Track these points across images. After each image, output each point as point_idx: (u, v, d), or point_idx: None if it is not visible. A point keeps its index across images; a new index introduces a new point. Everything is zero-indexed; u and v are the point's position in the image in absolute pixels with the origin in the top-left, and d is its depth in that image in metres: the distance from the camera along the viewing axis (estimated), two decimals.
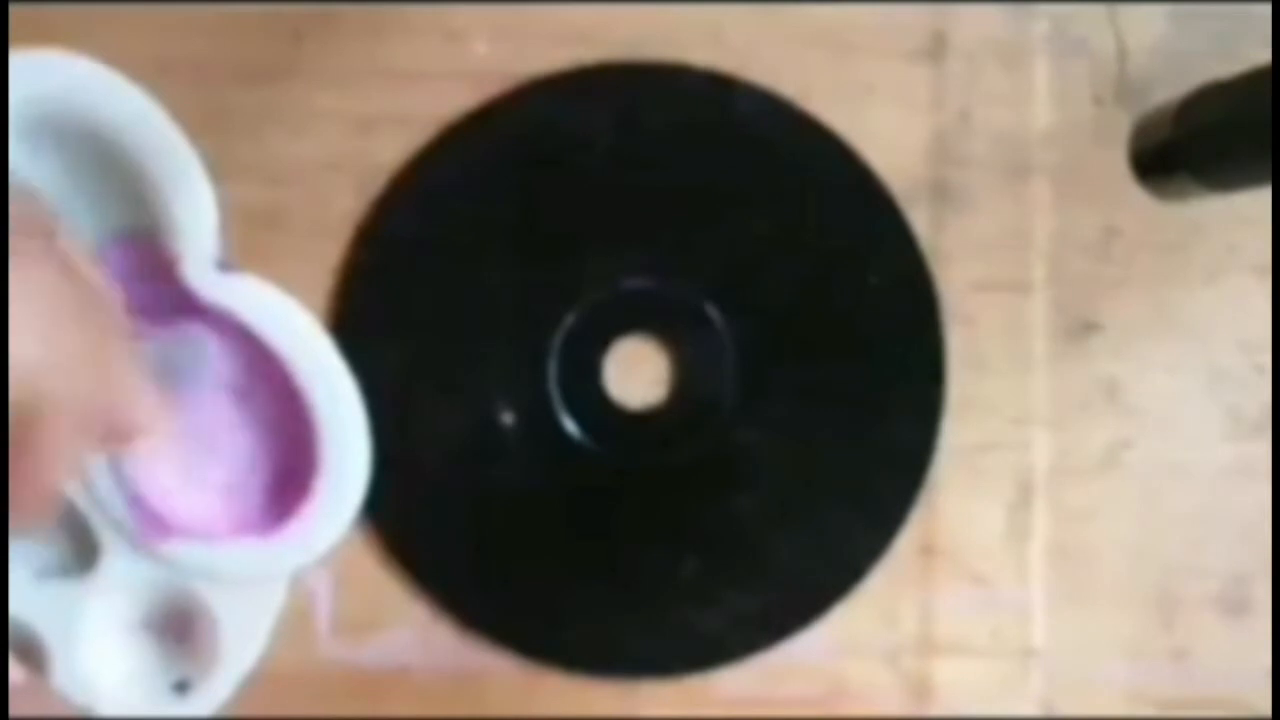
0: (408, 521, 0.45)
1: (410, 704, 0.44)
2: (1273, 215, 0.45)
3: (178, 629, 0.44)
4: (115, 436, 0.36)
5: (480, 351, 0.45)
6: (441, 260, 0.45)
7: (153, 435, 0.36)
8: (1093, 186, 0.45)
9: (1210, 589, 0.45)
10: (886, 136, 0.45)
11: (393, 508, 0.44)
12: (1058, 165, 0.45)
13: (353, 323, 0.45)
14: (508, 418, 0.45)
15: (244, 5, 0.45)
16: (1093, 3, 0.45)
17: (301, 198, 0.45)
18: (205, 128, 0.43)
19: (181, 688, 0.44)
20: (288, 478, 0.44)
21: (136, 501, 0.43)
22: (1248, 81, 0.37)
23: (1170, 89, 0.39)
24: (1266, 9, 0.45)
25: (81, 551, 0.44)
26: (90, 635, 0.43)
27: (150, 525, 0.43)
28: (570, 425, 0.45)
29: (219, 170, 0.43)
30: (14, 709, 0.33)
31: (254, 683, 0.44)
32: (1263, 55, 0.41)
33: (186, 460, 0.44)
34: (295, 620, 0.44)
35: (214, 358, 0.44)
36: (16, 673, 0.35)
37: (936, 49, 0.45)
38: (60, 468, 0.32)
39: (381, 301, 0.45)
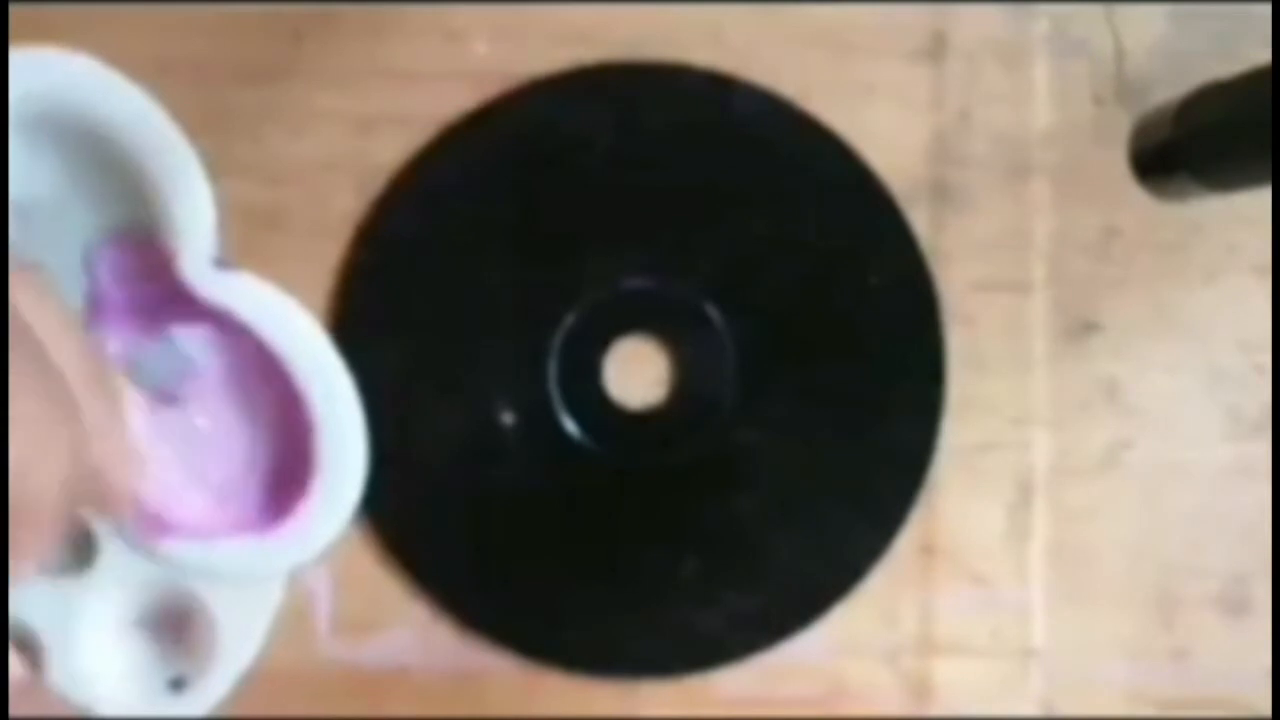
0: (407, 521, 0.45)
1: (410, 704, 0.44)
2: (1273, 215, 0.45)
3: (174, 627, 0.44)
4: (105, 506, 0.38)
5: (480, 351, 0.45)
6: (441, 260, 0.45)
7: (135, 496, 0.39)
8: (1093, 186, 0.45)
9: (1210, 589, 0.45)
10: (886, 136, 0.45)
11: (392, 507, 0.44)
12: (1058, 165, 0.45)
13: (352, 322, 0.44)
14: (508, 418, 0.45)
15: (244, 5, 0.45)
16: (1093, 2, 0.45)
17: (301, 198, 0.45)
18: (205, 127, 0.43)
19: (178, 685, 0.44)
20: (285, 476, 0.44)
21: (133, 499, 0.43)
22: (1248, 81, 0.37)
23: (1170, 89, 0.39)
24: (1266, 9, 0.45)
25: (78, 549, 0.44)
26: (87, 633, 0.43)
27: (147, 524, 0.43)
28: (570, 425, 0.45)
29: (218, 170, 0.43)
30: (16, 707, 0.33)
31: (253, 682, 0.44)
32: (1263, 55, 0.41)
33: (184, 459, 0.44)
34: (294, 620, 0.44)
35: (203, 361, 0.44)
36: (17, 667, 0.35)
37: (936, 49, 0.45)
38: (46, 547, 0.33)
39: (381, 301, 0.45)
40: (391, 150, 0.45)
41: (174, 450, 0.44)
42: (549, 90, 0.45)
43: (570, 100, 0.45)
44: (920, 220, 0.45)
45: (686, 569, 0.45)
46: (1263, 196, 0.39)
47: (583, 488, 0.45)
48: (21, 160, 0.43)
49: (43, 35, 0.42)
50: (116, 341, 0.44)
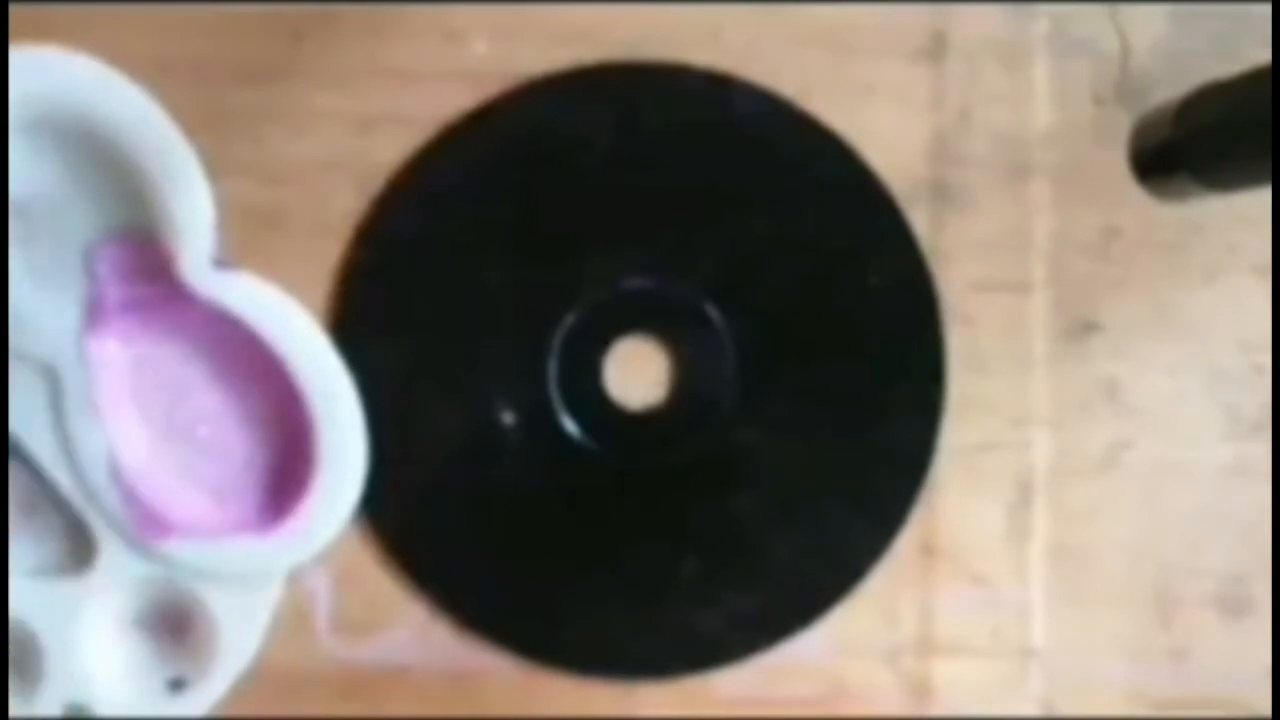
0: (407, 521, 0.45)
1: (409, 704, 0.44)
2: (1273, 215, 0.45)
3: (173, 627, 0.44)
4: None
5: (480, 351, 0.45)
6: (441, 260, 0.45)
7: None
8: (1093, 186, 0.45)
9: (1210, 589, 0.45)
10: (886, 136, 0.45)
11: (392, 507, 0.44)
12: (1058, 165, 0.45)
13: (352, 322, 0.44)
14: (508, 418, 0.45)
15: (244, 5, 0.45)
16: (1093, 2, 0.45)
17: (301, 197, 0.45)
18: (205, 127, 0.43)
19: (177, 685, 0.44)
20: (284, 475, 0.44)
21: (133, 499, 0.43)
22: (1248, 81, 0.37)
23: (1170, 89, 0.39)
24: (1266, 9, 0.45)
25: (77, 549, 0.44)
26: (86, 633, 0.43)
27: (147, 523, 0.43)
28: (570, 425, 0.45)
29: (218, 169, 0.43)
30: None
31: (252, 682, 0.44)
32: (1263, 55, 0.41)
33: (183, 458, 0.44)
34: (294, 620, 0.44)
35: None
36: None
37: (936, 49, 0.45)
38: None
39: (381, 301, 0.45)
40: (391, 150, 0.45)
41: (174, 450, 0.44)
42: (549, 90, 0.45)
43: (570, 100, 0.45)
44: (920, 220, 0.45)
45: (686, 569, 0.45)
46: (1263, 196, 0.39)
47: (583, 488, 0.45)
48: (22, 160, 0.43)
49: (43, 35, 0.42)
50: (116, 341, 0.44)
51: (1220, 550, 0.45)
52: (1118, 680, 0.45)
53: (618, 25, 0.45)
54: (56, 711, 0.43)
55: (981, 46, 0.45)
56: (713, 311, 0.45)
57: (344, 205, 0.45)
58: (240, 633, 0.43)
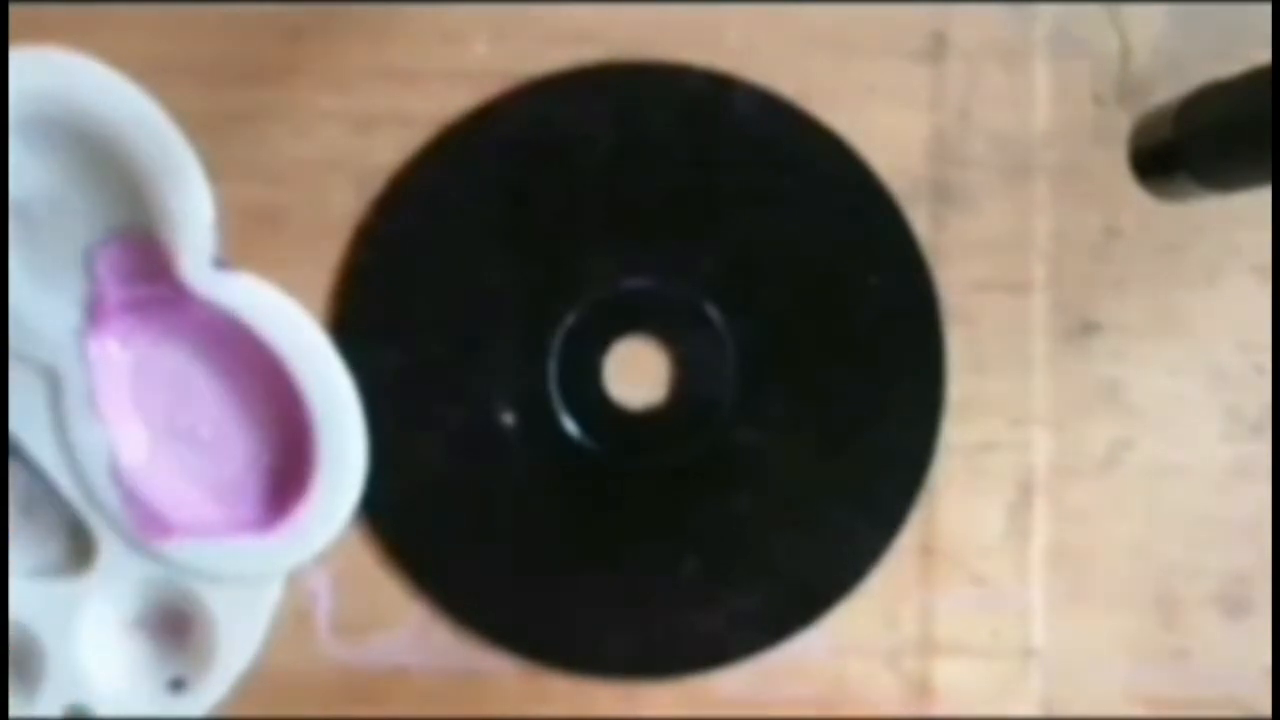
0: (407, 521, 0.45)
1: (409, 704, 0.44)
2: (1273, 215, 0.45)
3: (174, 627, 0.44)
4: None
5: (480, 352, 0.45)
6: (441, 260, 0.45)
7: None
8: (1093, 186, 0.45)
9: (1210, 589, 0.45)
10: (886, 136, 0.45)
11: (392, 507, 0.44)
12: (1058, 165, 0.45)
13: (352, 323, 0.44)
14: (508, 418, 0.45)
15: (244, 5, 0.45)
16: (1093, 2, 0.45)
17: (301, 198, 0.45)
18: (205, 127, 0.43)
19: (177, 686, 0.44)
20: (285, 476, 0.44)
21: (133, 500, 0.43)
22: (1248, 81, 0.37)
23: (1170, 89, 0.39)
24: (1266, 9, 0.45)
25: (77, 550, 0.44)
26: (86, 633, 0.43)
27: (147, 523, 0.43)
28: (570, 425, 0.45)
29: (218, 170, 0.43)
30: None
31: (252, 682, 0.44)
32: (1263, 55, 0.41)
33: (183, 458, 0.44)
34: (294, 620, 0.44)
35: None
36: None
37: (936, 49, 0.45)
38: None
39: (381, 301, 0.45)
40: (391, 150, 0.45)
41: (174, 450, 0.44)
42: (549, 90, 0.45)
43: (570, 100, 0.45)
44: (920, 220, 0.45)
45: (686, 569, 0.45)
46: (1263, 196, 0.39)
47: (583, 488, 0.45)
48: (21, 160, 0.43)
49: (43, 35, 0.42)
50: (116, 342, 0.44)
51: (1220, 550, 0.45)
52: (1118, 680, 0.45)
53: (618, 25, 0.45)
54: (57, 712, 0.43)
55: (981, 46, 0.45)
56: (713, 311, 0.45)
57: (344, 205, 0.45)
58: (240, 633, 0.43)
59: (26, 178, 0.43)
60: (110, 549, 0.43)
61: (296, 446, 0.43)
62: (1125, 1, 0.45)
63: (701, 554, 0.45)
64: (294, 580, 0.44)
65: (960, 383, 0.45)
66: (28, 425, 0.43)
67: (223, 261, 0.43)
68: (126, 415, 0.44)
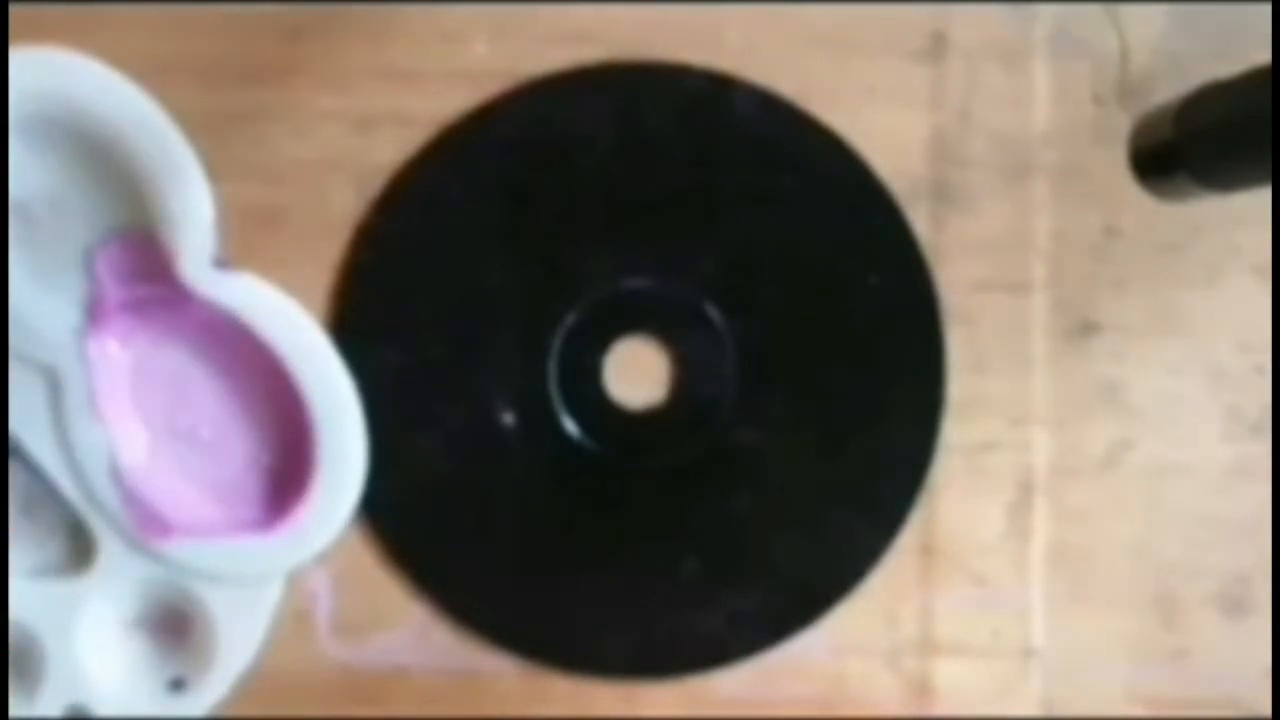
0: (407, 521, 0.45)
1: (410, 704, 0.44)
2: (1273, 215, 0.45)
3: (174, 627, 0.44)
4: None
5: (480, 352, 0.45)
6: (441, 260, 0.45)
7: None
8: (1093, 186, 0.45)
9: (1210, 589, 0.45)
10: (886, 136, 0.45)
11: (392, 507, 0.44)
12: (1058, 165, 0.45)
13: (352, 322, 0.44)
14: (508, 418, 0.45)
15: (244, 5, 0.45)
16: (1093, 2, 0.45)
17: (301, 198, 0.45)
18: (205, 127, 0.43)
19: (177, 686, 0.44)
20: (285, 476, 0.44)
21: (133, 500, 0.43)
22: (1248, 81, 0.37)
23: (1170, 89, 0.39)
24: (1266, 9, 0.45)
25: (77, 550, 0.44)
26: (86, 633, 0.43)
27: (147, 523, 0.43)
28: (570, 425, 0.45)
29: (218, 170, 0.43)
30: None
31: (253, 682, 0.44)
32: (1263, 55, 0.40)
33: (183, 458, 0.44)
34: (294, 620, 0.44)
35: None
36: None
37: (936, 49, 0.45)
38: None
39: (381, 301, 0.45)
40: (391, 150, 0.45)
41: (174, 450, 0.44)
42: (549, 90, 0.45)
43: (570, 100, 0.45)
44: (920, 220, 0.45)
45: (686, 569, 0.45)
46: (1263, 196, 0.39)
47: (583, 488, 0.45)
48: (21, 160, 0.43)
49: (43, 35, 0.42)
50: (116, 342, 0.44)
51: (1220, 550, 0.45)
52: (1118, 680, 0.45)
53: (618, 25, 0.45)
54: (57, 712, 0.43)
55: (981, 46, 0.45)
56: (713, 311, 0.45)
57: (344, 205, 0.45)
58: (240, 633, 0.43)
59: (26, 178, 0.43)
60: (110, 549, 0.43)
61: (296, 446, 0.43)
62: (1125, 1, 0.45)
63: (701, 554, 0.45)
64: (294, 580, 0.44)
65: (960, 383, 0.45)
66: (28, 425, 0.43)
67: (223, 261, 0.43)
68: (126, 415, 0.44)
